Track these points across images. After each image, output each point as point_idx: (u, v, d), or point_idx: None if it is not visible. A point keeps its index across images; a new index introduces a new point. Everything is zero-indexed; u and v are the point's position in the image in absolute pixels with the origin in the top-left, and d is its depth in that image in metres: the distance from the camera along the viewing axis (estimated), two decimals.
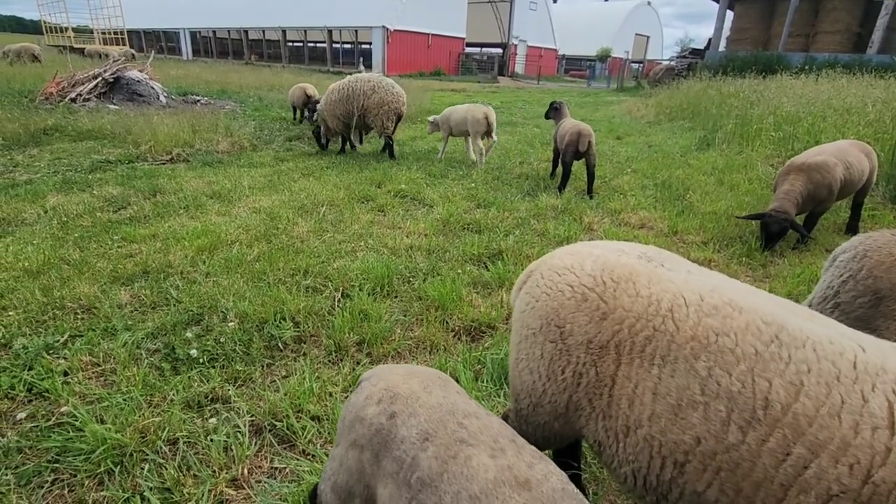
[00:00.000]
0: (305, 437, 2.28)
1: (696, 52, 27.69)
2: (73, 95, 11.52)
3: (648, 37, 61.41)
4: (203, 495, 1.96)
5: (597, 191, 6.45)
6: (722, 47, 25.14)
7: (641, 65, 40.48)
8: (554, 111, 7.36)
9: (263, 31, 40.24)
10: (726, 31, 25.83)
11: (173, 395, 2.51)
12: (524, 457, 1.14)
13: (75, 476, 2.04)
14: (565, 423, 1.52)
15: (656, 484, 1.29)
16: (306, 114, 11.39)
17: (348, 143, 9.07)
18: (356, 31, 34.88)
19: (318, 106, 8.59)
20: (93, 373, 2.68)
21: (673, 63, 27.03)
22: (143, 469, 2.08)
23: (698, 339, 1.23)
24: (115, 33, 30.03)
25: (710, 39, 25.71)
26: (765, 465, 1.10)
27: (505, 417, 1.86)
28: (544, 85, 33.71)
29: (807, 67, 14.02)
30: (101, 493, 1.98)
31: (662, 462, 1.26)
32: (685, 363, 1.22)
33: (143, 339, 2.97)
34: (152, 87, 12.85)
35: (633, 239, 4.90)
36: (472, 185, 6.70)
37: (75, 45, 28.00)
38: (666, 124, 13.03)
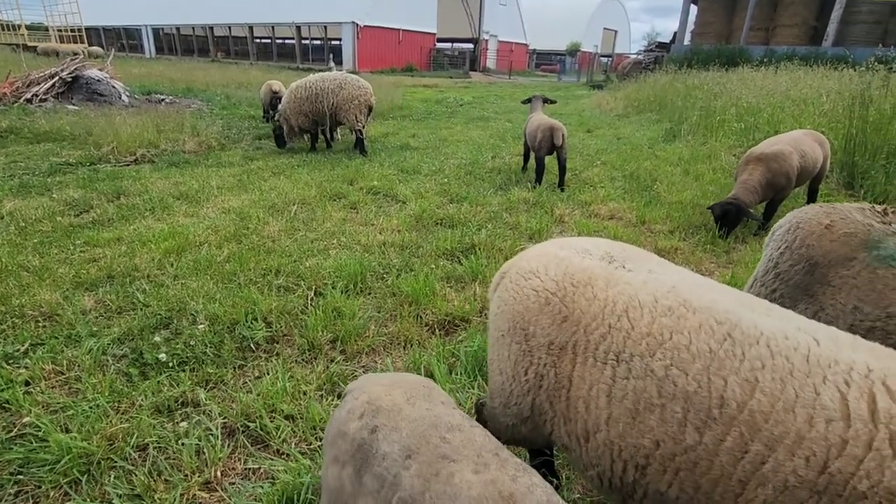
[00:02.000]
0: (279, 437, 2.27)
1: (662, 46, 28.27)
2: (28, 96, 11.07)
3: (616, 31, 62.37)
4: (175, 500, 1.94)
5: (567, 183, 6.55)
6: (687, 41, 25.72)
7: (610, 59, 41.12)
8: (529, 101, 7.52)
9: (230, 28, 39.33)
10: (691, 25, 26.45)
11: (142, 400, 2.46)
12: (508, 470, 1.12)
13: (40, 487, 1.99)
14: (532, 428, 1.55)
15: (621, 485, 1.31)
16: (271, 112, 11.12)
17: (321, 141, 8.99)
18: (325, 27, 34.43)
19: (280, 106, 8.40)
20: (56, 381, 2.60)
21: (640, 57, 27.52)
22: (111, 477, 2.04)
23: (653, 336, 1.24)
24: (72, 31, 28.85)
25: (675, 33, 26.28)
26: (722, 463, 1.11)
27: (480, 406, 1.90)
28: (516, 80, 33.92)
29: (767, 60, 14.46)
30: None
31: (624, 465, 1.27)
32: (640, 361, 1.25)
33: (109, 345, 2.90)
34: (113, 87, 12.44)
35: (602, 230, 5.00)
36: (445, 180, 6.72)
37: (29, 44, 26.82)
38: (634, 117, 13.29)
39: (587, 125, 12.11)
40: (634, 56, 29.23)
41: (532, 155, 6.82)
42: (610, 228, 5.02)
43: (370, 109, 8.34)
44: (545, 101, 7.41)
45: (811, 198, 5.37)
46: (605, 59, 41.73)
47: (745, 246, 4.61)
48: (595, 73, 32.72)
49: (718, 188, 6.08)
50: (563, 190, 6.35)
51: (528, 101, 7.56)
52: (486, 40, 42.39)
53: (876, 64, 7.82)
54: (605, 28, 58.84)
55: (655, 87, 15.05)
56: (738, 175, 4.93)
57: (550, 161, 6.70)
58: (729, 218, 4.60)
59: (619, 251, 1.58)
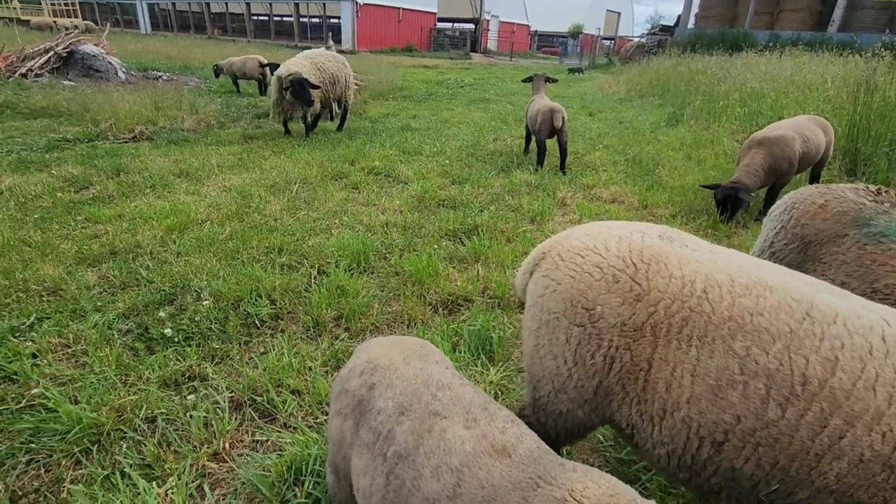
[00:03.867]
0: (286, 411, 2.30)
1: (665, 29, 27.90)
2: (23, 71, 10.90)
3: (619, 13, 61.46)
4: (185, 470, 1.97)
5: (569, 166, 6.53)
6: (691, 24, 25.39)
7: (613, 41, 40.60)
8: (531, 80, 7.42)
9: (226, 4, 38.54)
10: (695, 8, 26.06)
11: (149, 373, 2.48)
12: (497, 423, 1.17)
13: (51, 456, 2.02)
14: (591, 410, 1.48)
15: (691, 463, 1.31)
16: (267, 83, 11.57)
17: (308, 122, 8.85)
18: (324, 4, 33.77)
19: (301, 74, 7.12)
20: (63, 354, 2.62)
21: (643, 40, 27.19)
22: (121, 447, 2.07)
23: (735, 319, 1.24)
24: (66, 5, 28.28)
25: (679, 16, 25.93)
26: (802, 437, 1.14)
27: (520, 414, 1.69)
28: (517, 62, 33.49)
29: (771, 45, 14.32)
30: (80, 472, 1.97)
31: (700, 442, 1.27)
32: (723, 343, 1.23)
33: (114, 319, 2.91)
34: (109, 63, 12.25)
35: (604, 213, 5.00)
36: (447, 161, 6.69)
37: (22, 17, 26.30)
38: (637, 101, 13.18)
39: (589, 108, 12.02)
40: (637, 39, 28.87)
41: (534, 138, 6.78)
42: (612, 212, 5.02)
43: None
44: (547, 80, 7.33)
45: (812, 183, 5.37)
46: (607, 42, 41.19)
47: (747, 231, 4.63)
48: (597, 56, 32.31)
49: (720, 173, 6.07)
50: (564, 173, 6.34)
51: (529, 80, 7.47)
52: (488, 21, 41.73)
53: (882, 50, 7.75)
54: (608, 10, 57.96)
55: (658, 71, 14.91)
56: (739, 159, 4.93)
57: (552, 144, 6.68)
58: (729, 203, 4.60)
59: (672, 233, 1.53)
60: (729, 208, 4.64)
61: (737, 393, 1.21)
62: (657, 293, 1.34)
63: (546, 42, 52.11)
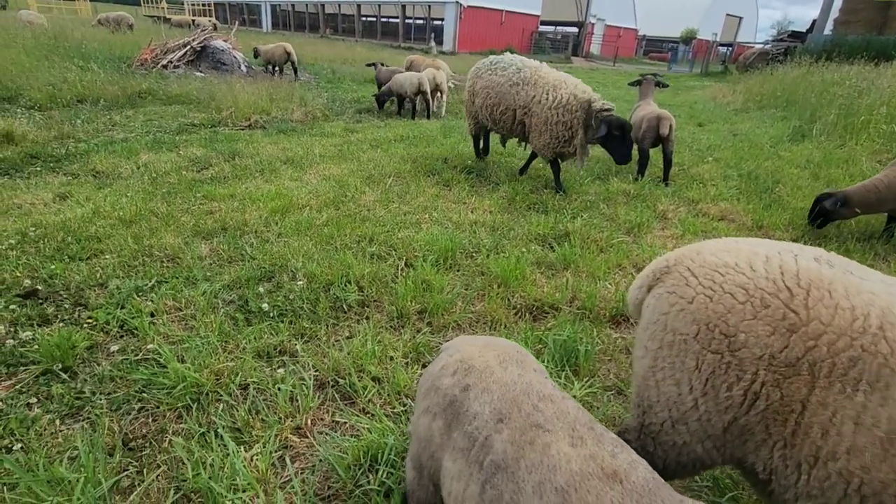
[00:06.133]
0: (366, 397, 2.33)
1: (795, 35, 25.26)
2: (164, 62, 12.29)
3: (741, 18, 56.73)
4: (270, 439, 2.06)
5: (673, 178, 6.09)
6: (828, 30, 22.71)
7: (730, 48, 37.49)
8: (639, 84, 6.97)
9: (339, 6, 40.89)
10: (834, 13, 23.27)
11: (246, 343, 2.64)
12: (605, 445, 1.07)
13: (158, 408, 2.21)
14: (714, 447, 1.33)
15: None
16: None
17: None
18: (429, 6, 34.63)
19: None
20: (175, 316, 2.87)
21: (767, 47, 24.81)
22: (217, 408, 2.21)
23: None
24: (203, 5, 31.63)
25: (813, 21, 23.30)
26: None
27: (620, 435, 1.55)
28: (620, 67, 32.10)
29: None
30: (181, 426, 2.13)
31: (861, 501, 1.12)
32: None
33: (220, 290, 3.14)
34: (235, 57, 13.45)
35: (711, 231, 4.59)
36: (540, 164, 6.52)
37: (168, 16, 29.80)
38: (755, 112, 12.03)
39: (698, 118, 11.17)
40: (760, 46, 26.39)
41: (635, 146, 6.39)
42: (720, 229, 4.59)
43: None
44: (658, 84, 6.85)
45: None
46: (723, 49, 38.10)
47: (888, 264, 4.01)
48: (711, 62, 30.02)
49: None
50: (667, 185, 5.92)
51: (637, 83, 7.01)
52: (593, 24, 40.44)
53: None
54: (727, 14, 53.71)
55: (784, 81, 13.48)
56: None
57: (655, 154, 6.27)
58: (816, 210, 4.29)
59: (829, 256, 1.33)
60: (813, 214, 4.36)
61: None
62: (818, 325, 1.15)
63: (654, 47, 49.42)
